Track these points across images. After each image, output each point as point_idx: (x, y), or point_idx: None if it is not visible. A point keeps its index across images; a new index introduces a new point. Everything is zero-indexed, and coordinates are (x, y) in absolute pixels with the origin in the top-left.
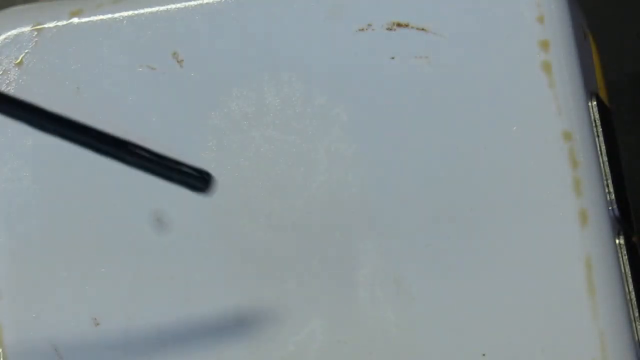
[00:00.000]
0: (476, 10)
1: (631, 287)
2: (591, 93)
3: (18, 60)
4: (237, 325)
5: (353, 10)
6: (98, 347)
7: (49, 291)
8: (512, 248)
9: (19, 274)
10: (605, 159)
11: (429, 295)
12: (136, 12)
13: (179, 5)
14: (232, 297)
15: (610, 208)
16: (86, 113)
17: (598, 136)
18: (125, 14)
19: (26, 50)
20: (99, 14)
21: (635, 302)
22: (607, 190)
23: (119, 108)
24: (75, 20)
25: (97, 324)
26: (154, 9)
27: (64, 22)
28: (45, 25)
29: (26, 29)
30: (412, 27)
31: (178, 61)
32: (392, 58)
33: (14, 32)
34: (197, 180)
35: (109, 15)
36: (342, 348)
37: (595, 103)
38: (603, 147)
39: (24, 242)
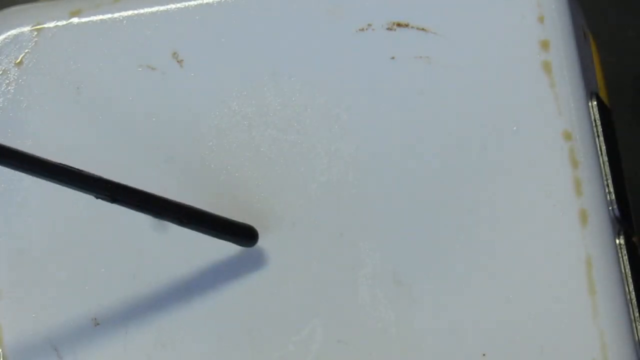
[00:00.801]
0: (476, 10)
1: (631, 287)
2: (591, 93)
3: (18, 60)
4: (237, 325)
5: (353, 10)
6: (98, 347)
7: (49, 291)
8: (512, 248)
9: (19, 274)
10: (606, 159)
11: (429, 295)
12: (136, 12)
13: (179, 5)
14: (232, 297)
15: (610, 208)
16: (86, 113)
17: (598, 136)
18: (125, 14)
19: (26, 50)
20: (99, 14)
21: (635, 302)
22: (607, 190)
23: (119, 108)
24: (75, 20)
25: (97, 324)
26: (154, 9)
27: (64, 22)
28: (45, 25)
29: (26, 29)
30: (412, 27)
31: (178, 61)
32: (392, 58)
33: (14, 32)
34: (243, 236)
35: (109, 15)
36: (342, 348)
37: (595, 103)
38: (603, 147)
39: (24, 242)
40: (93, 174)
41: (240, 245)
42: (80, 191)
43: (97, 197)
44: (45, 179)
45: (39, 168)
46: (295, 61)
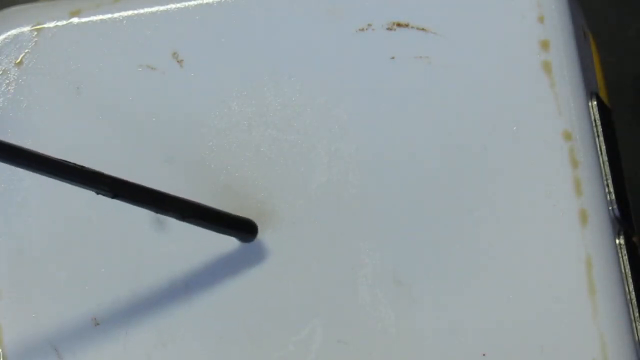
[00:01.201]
0: (476, 10)
1: (631, 287)
2: (591, 93)
3: (18, 60)
4: (237, 325)
5: (353, 10)
6: (98, 347)
7: (49, 291)
8: (512, 248)
9: (19, 274)
10: (605, 159)
11: (429, 295)
12: (136, 12)
13: (179, 5)
14: (232, 297)
15: (610, 208)
16: (86, 113)
17: (598, 136)
18: (125, 14)
19: (26, 50)
20: (99, 14)
21: (635, 302)
22: (607, 190)
23: (119, 108)
24: (75, 20)
25: (97, 324)
26: (154, 9)
27: (64, 22)
28: (45, 25)
29: (26, 29)
30: (412, 27)
31: (178, 61)
32: (392, 58)
33: (14, 32)
34: (242, 230)
35: (109, 15)
36: (342, 348)
37: (595, 103)
38: (603, 147)
39: (24, 242)
40: (94, 170)
41: (240, 239)
42: (82, 187)
43: (97, 193)
44: (47, 176)
45: (41, 165)
46: (295, 61)
